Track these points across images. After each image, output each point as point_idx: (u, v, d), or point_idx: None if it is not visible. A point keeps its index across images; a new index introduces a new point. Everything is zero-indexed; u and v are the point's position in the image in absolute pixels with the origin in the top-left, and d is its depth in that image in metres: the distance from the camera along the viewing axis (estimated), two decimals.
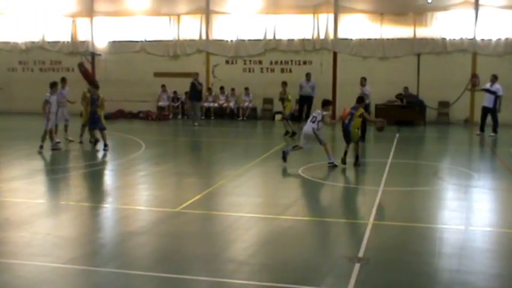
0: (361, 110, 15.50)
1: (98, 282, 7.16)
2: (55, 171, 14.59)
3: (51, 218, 10.27)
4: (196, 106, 25.35)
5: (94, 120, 17.76)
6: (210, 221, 10.04)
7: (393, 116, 25.32)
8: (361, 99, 16.07)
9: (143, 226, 9.58)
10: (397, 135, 21.51)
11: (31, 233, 9.15)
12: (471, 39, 25.84)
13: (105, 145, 17.49)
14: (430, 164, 15.77)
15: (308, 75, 26.44)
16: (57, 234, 9.10)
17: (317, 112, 15.37)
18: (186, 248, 8.41)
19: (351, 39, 27.01)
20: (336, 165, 14.94)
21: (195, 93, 25.25)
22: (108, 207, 11.18)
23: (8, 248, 8.45)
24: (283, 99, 22.05)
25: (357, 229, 9.43)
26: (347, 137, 15.39)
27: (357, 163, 15.14)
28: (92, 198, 11.90)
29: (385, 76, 26.01)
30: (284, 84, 22.42)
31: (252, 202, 11.54)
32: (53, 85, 17.56)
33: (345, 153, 15.20)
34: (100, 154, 17.25)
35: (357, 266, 7.50)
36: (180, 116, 28.35)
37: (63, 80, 19.47)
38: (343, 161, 15.05)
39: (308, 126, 15.19)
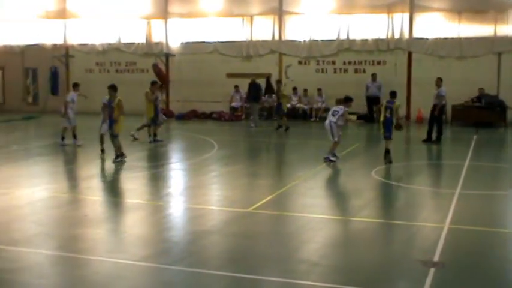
0: (398, 104, 15.62)
1: (170, 280, 7.24)
2: (129, 171, 14.89)
3: (126, 216, 10.49)
4: (254, 107, 25.30)
5: (109, 126, 15.85)
6: (281, 221, 10.00)
7: (471, 117, 24.55)
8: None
9: (215, 225, 9.63)
10: (475, 137, 20.82)
11: (107, 230, 9.38)
12: None
13: (116, 156, 15.56)
14: (510, 168, 15.17)
15: (374, 76, 26.08)
16: (132, 232, 9.28)
17: (339, 107, 15.70)
18: (258, 248, 8.40)
19: (427, 39, 26.33)
20: (332, 161, 15.19)
21: (253, 94, 25.25)
22: (181, 206, 11.31)
23: (86, 244, 8.69)
24: (278, 96, 23.70)
25: (432, 233, 9.15)
26: (388, 131, 15.32)
27: (387, 158, 15.07)
28: (165, 197, 12.08)
29: (463, 76, 25.19)
30: (279, 82, 24.54)
31: (324, 203, 11.42)
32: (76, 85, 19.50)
33: (387, 151, 15.20)
34: (171, 153, 17.48)
35: (432, 270, 7.29)
36: (252, 117, 28.42)
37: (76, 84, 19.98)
38: (389, 160, 15.10)
39: (327, 120, 15.70)
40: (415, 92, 26.19)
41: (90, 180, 13.94)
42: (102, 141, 16.67)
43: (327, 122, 15.77)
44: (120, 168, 15.04)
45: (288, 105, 27.61)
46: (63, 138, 18.94)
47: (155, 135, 19.68)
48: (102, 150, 16.55)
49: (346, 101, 15.89)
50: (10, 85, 33.55)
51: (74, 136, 18.87)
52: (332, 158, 15.38)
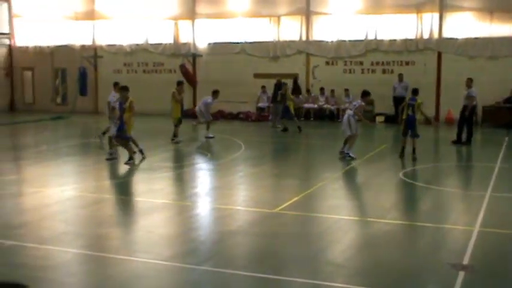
0: (420, 102, 16.28)
1: (196, 280, 7.24)
2: (156, 171, 14.95)
3: (152, 215, 10.50)
4: (278, 108, 25.22)
5: (119, 127, 15.28)
6: (308, 222, 9.94)
7: (502, 119, 24.17)
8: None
9: (241, 226, 9.61)
10: (506, 138, 20.48)
11: (134, 229, 9.42)
12: None
13: (130, 158, 15.19)
14: None
15: (400, 76, 25.81)
16: (158, 232, 9.30)
17: (357, 102, 16.34)
18: (283, 249, 8.35)
19: (457, 39, 25.98)
20: (352, 158, 15.64)
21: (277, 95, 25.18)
22: (207, 206, 11.31)
23: (113, 243, 8.75)
24: (284, 100, 23.84)
25: (462, 235, 9.02)
26: (410, 128, 15.94)
27: (414, 155, 15.75)
28: (191, 197, 12.09)
29: (494, 76, 24.77)
30: (285, 84, 24.57)
31: (351, 205, 11.33)
32: (116, 85, 17.73)
33: (403, 148, 16.06)
34: (196, 154, 17.44)
35: (461, 273, 7.17)
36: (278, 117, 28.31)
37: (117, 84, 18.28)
38: (401, 155, 15.98)
39: (346, 115, 16.31)
40: (444, 93, 25.89)
41: (117, 180, 14.03)
42: (111, 144, 16.11)
43: (345, 116, 16.26)
44: (147, 168, 15.09)
45: (315, 106, 27.56)
46: (104, 133, 18.61)
47: (175, 135, 19.68)
48: (111, 153, 15.93)
49: (363, 95, 16.29)
50: (40, 85, 34.04)
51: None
52: (352, 155, 15.63)
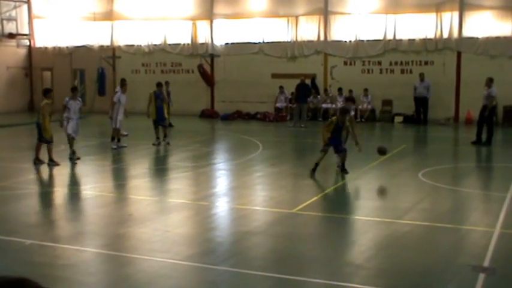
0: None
1: (213, 279, 7.23)
2: (174, 171, 14.98)
3: (170, 215, 10.52)
4: (304, 108, 25.15)
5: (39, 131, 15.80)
6: (326, 223, 9.89)
7: None
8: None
9: (259, 226, 9.58)
10: None
11: (152, 229, 9.43)
12: None
13: (50, 159, 15.41)
14: None
15: (421, 75, 25.55)
16: (176, 232, 9.31)
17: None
18: (302, 250, 8.31)
19: (477, 38, 25.67)
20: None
21: (303, 94, 25.09)
22: (225, 206, 11.29)
23: (131, 242, 8.77)
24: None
25: (482, 237, 8.91)
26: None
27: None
28: (209, 197, 12.08)
29: None
30: (167, 83, 22.89)
31: (369, 205, 11.25)
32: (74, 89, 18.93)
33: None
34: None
35: (482, 276, 7.08)
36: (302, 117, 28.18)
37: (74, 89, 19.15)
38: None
39: None
40: (464, 93, 25.58)
41: (135, 180, 14.06)
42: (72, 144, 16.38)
43: None
44: (165, 168, 15.12)
45: (333, 106, 27.46)
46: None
47: (165, 135, 19.05)
48: (74, 152, 16.32)
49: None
50: (58, 86, 34.13)
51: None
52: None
